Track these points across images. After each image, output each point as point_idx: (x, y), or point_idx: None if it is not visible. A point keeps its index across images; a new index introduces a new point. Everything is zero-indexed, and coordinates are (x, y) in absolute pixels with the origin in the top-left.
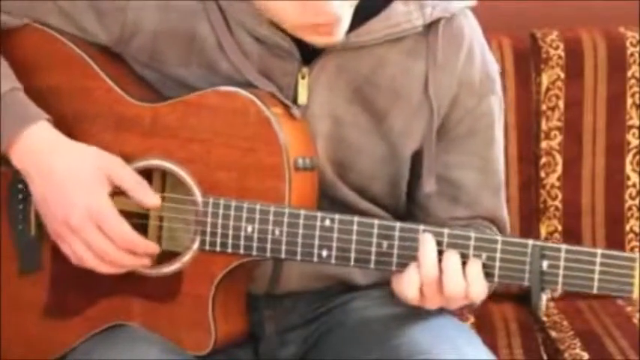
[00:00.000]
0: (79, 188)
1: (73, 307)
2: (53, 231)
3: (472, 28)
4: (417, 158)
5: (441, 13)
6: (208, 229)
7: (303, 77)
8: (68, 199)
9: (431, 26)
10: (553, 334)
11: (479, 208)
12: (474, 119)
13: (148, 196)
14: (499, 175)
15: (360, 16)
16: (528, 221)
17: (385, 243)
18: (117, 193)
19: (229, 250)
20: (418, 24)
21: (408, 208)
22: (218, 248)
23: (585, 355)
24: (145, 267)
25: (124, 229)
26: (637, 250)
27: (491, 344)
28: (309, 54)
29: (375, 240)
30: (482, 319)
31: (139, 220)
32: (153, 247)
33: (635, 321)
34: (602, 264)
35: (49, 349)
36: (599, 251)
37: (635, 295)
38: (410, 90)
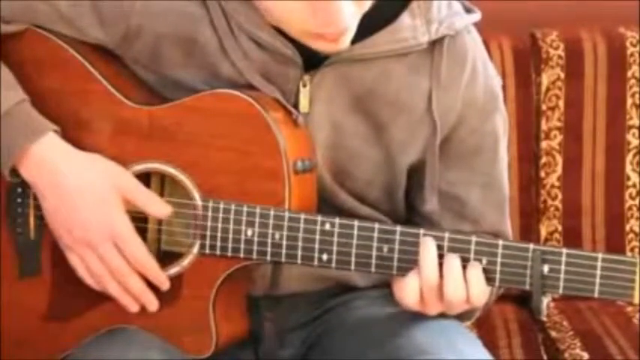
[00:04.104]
0: (97, 206)
1: (72, 311)
2: (65, 244)
3: (475, 45)
4: (417, 172)
5: (446, 31)
6: (208, 233)
7: (304, 85)
8: (85, 215)
9: (435, 43)
10: (553, 334)
11: (483, 224)
12: (479, 138)
13: (160, 209)
14: (503, 191)
15: (367, 28)
16: (528, 221)
17: (386, 247)
18: None
19: (229, 254)
20: (423, 40)
21: (413, 219)
22: (218, 252)
23: (585, 355)
24: (149, 305)
25: (142, 250)
26: (637, 249)
27: (491, 344)
28: (311, 62)
29: (375, 244)
30: (482, 319)
31: (137, 222)
32: (163, 278)
33: (635, 321)
34: (602, 268)
35: (49, 352)
36: (599, 255)
37: (635, 300)
38: (413, 105)
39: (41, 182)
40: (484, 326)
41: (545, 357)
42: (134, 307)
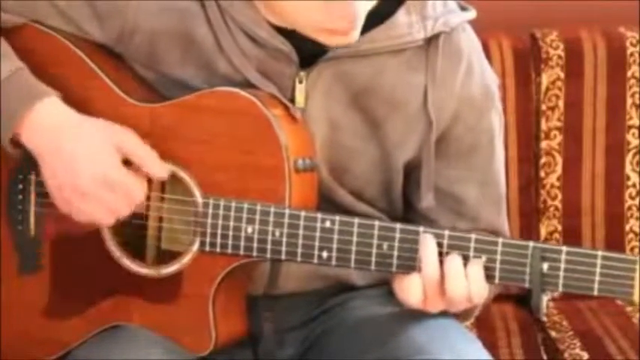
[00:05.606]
0: (88, 158)
1: (72, 308)
2: (61, 200)
3: (471, 43)
4: (413, 169)
5: (442, 27)
6: (208, 230)
7: (300, 81)
8: (76, 167)
9: (431, 40)
10: (553, 334)
11: (481, 222)
12: (475, 135)
13: (156, 166)
14: (500, 188)
15: (363, 25)
16: (528, 221)
17: (385, 244)
18: None
19: (229, 251)
20: (419, 37)
21: (411, 217)
22: (218, 249)
23: (585, 355)
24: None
25: (139, 187)
26: (637, 249)
27: (491, 344)
28: (307, 59)
29: (375, 241)
30: (482, 319)
31: (138, 220)
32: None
33: (635, 321)
34: (602, 266)
35: (49, 348)
36: (599, 253)
37: (635, 298)
38: (408, 101)
39: (40, 146)
40: (484, 326)
41: (545, 357)
42: None
